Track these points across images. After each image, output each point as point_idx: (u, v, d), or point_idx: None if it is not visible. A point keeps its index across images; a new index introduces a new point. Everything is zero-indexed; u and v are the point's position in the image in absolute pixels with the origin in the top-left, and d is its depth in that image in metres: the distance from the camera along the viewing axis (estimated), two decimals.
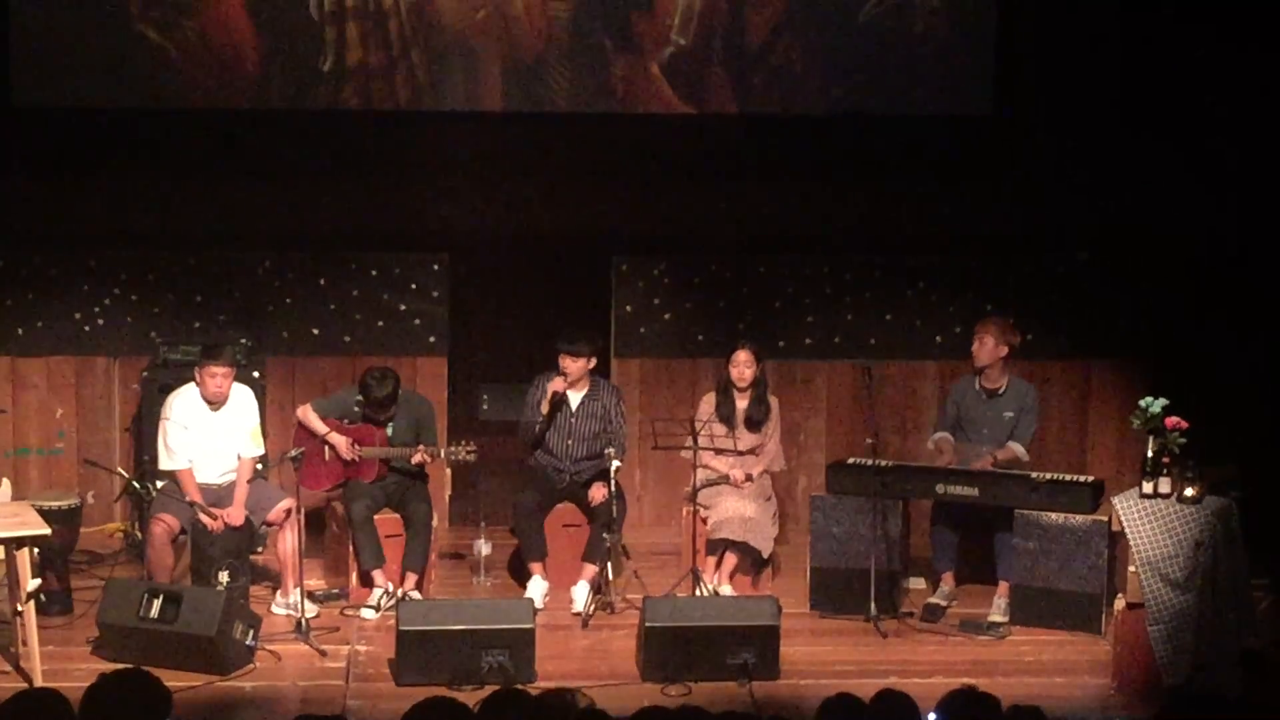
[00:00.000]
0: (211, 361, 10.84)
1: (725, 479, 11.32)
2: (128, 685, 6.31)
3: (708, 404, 11.49)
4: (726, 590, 11.12)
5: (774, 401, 11.58)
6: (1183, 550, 9.79)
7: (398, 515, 11.20)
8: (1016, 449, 11.26)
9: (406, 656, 9.83)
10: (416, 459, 11.18)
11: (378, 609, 10.92)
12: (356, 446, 11.17)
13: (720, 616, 10.07)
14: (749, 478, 11.30)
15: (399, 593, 10.96)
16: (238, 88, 12.74)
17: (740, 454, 11.36)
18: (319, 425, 11.25)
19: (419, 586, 11.10)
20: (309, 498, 11.05)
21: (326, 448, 11.23)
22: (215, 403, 10.86)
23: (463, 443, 11.30)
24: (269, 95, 12.77)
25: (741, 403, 11.44)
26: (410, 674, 9.79)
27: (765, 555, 11.27)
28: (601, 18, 12.81)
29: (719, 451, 11.32)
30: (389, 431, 11.26)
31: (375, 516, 11.11)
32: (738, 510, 11.14)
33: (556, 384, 11.28)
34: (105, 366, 12.60)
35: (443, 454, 11.28)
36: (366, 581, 11.09)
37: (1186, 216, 12.61)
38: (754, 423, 11.43)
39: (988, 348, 11.24)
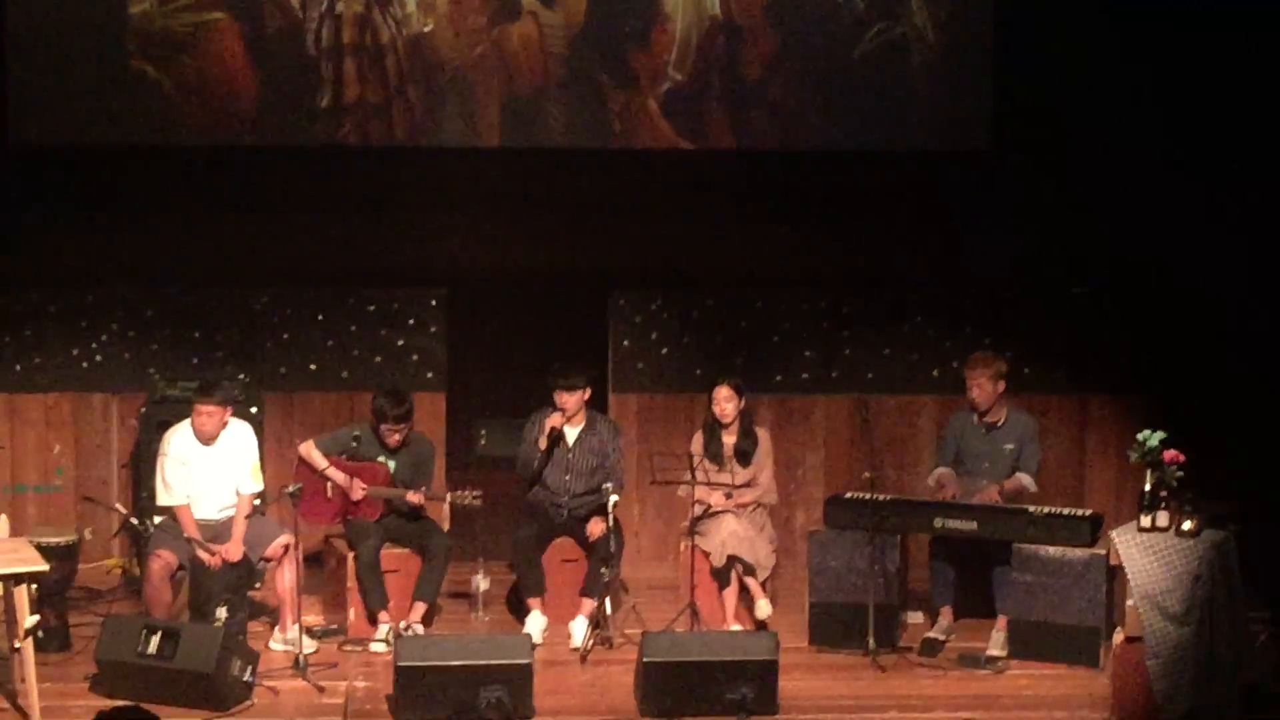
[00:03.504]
0: (199, 399, 10.85)
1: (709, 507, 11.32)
2: None
3: (697, 444, 11.47)
4: (738, 629, 11.09)
5: (763, 434, 11.55)
6: (1181, 584, 9.78)
7: (399, 551, 11.18)
8: (1024, 480, 11.28)
9: (405, 692, 9.79)
10: (414, 499, 11.17)
11: (388, 643, 10.81)
12: (361, 485, 11.16)
13: (719, 651, 10.03)
14: (728, 495, 11.26)
15: (403, 623, 10.94)
16: (235, 124, 12.76)
17: (736, 488, 11.34)
18: (321, 461, 11.23)
19: (426, 618, 11.07)
20: (308, 537, 11.01)
21: (328, 484, 11.22)
22: (206, 440, 10.86)
23: (468, 489, 11.27)
24: (266, 131, 12.78)
25: (728, 438, 11.41)
26: (408, 710, 9.76)
27: (761, 577, 11.21)
28: (599, 53, 12.83)
29: (714, 487, 11.30)
30: (392, 469, 11.25)
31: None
32: (734, 530, 11.12)
33: (554, 419, 11.28)
34: (103, 403, 12.61)
35: (448, 499, 11.27)
36: (372, 621, 11.07)
37: (1183, 250, 12.60)
38: (744, 455, 11.40)
39: (986, 391, 11.28)
